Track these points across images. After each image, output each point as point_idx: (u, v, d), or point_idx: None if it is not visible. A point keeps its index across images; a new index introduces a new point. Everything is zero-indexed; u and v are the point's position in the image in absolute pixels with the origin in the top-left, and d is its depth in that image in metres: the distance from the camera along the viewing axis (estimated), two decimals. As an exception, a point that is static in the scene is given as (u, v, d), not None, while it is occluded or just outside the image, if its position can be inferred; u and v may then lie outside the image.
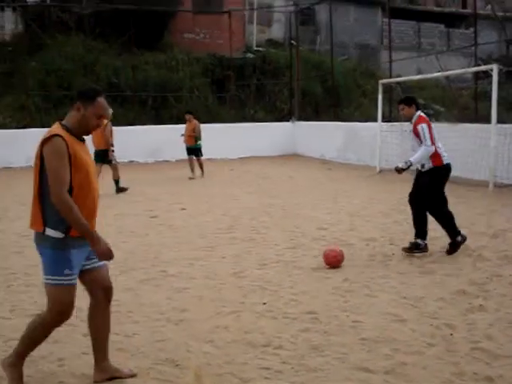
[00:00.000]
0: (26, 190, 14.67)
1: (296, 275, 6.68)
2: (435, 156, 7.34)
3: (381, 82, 17.87)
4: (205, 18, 29.98)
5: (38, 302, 5.92)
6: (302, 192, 13.35)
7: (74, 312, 5.54)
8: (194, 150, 16.76)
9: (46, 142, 3.92)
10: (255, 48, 30.64)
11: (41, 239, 4.06)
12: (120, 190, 13.86)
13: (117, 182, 13.98)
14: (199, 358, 4.55)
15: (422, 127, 7.30)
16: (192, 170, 16.47)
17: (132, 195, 13.33)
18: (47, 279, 4.02)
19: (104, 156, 13.62)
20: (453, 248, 7.47)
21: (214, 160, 20.32)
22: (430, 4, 38.59)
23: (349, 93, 28.68)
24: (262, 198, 12.46)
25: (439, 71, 20.78)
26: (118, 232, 9.32)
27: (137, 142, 21.55)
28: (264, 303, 5.76)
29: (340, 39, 30.53)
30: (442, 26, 36.05)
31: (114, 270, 6.98)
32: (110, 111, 14.30)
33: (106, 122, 13.71)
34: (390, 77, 20.18)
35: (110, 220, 10.34)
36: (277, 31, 32.97)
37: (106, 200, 12.46)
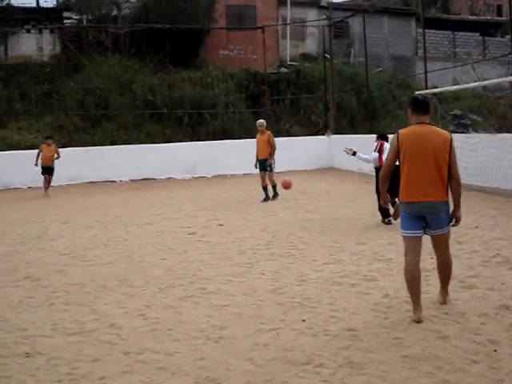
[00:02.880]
0: (67, 208, 14.94)
1: (335, 291, 6.62)
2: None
3: (416, 93, 17.69)
4: (238, 35, 30.24)
5: (78, 321, 5.99)
6: (339, 206, 13.27)
7: (114, 330, 5.64)
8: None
9: (451, 139, 5.52)
10: (289, 62, 30.73)
11: (444, 205, 5.49)
12: (276, 194, 14.86)
13: (274, 187, 14.88)
14: (239, 376, 4.53)
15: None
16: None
17: (171, 212, 13.43)
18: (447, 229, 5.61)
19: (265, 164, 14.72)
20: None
21: (250, 175, 20.35)
22: (464, 13, 38.23)
23: (384, 105, 28.53)
24: (300, 213, 12.42)
25: (475, 81, 20.53)
26: (158, 249, 9.39)
27: (174, 158, 21.81)
28: (304, 320, 5.71)
29: (374, 51, 30.46)
30: (477, 35, 35.62)
31: (153, 287, 7.08)
32: (262, 122, 15.03)
33: (268, 133, 14.62)
34: (426, 88, 19.98)
35: (150, 237, 10.45)
36: (310, 45, 33.03)
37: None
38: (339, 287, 6.78)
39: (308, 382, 4.37)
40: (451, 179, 5.44)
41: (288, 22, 31.09)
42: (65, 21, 30.06)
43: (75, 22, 30.39)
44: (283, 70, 29.48)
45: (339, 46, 30.84)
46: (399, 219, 5.66)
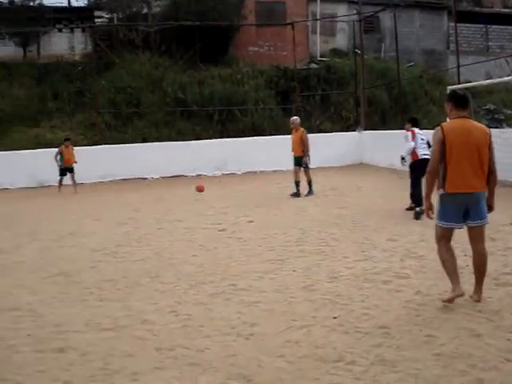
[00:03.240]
0: (99, 205, 15.11)
1: (367, 288, 6.58)
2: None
3: (449, 87, 17.48)
4: (268, 31, 30.23)
5: (111, 316, 6.06)
6: (370, 202, 13.17)
7: (146, 326, 5.69)
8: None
9: (490, 133, 5.74)
10: (319, 58, 30.63)
11: (484, 195, 5.71)
12: (310, 192, 14.76)
13: (309, 183, 14.82)
14: (271, 373, 4.53)
15: None
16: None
17: (202, 209, 13.49)
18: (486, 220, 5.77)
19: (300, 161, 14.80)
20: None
21: (280, 172, 20.35)
22: (497, 6, 37.57)
23: (416, 100, 28.23)
24: (330, 209, 12.37)
25: (509, 75, 20.17)
26: (188, 246, 9.44)
27: (204, 155, 21.91)
28: (335, 317, 5.68)
29: (405, 45, 30.16)
30: (510, 28, 34.98)
31: (184, 283, 7.12)
32: (295, 119, 14.99)
33: (302, 130, 14.58)
34: (459, 82, 19.73)
35: (181, 234, 10.51)
36: (341, 40, 32.85)
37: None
38: (371, 284, 6.74)
39: (340, 380, 4.35)
40: (490, 172, 5.68)
41: (318, 17, 30.97)
42: (96, 20, 30.38)
43: (106, 20, 30.73)
44: (313, 65, 29.38)
45: (370, 40, 30.59)
46: (438, 209, 5.77)
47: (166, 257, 8.74)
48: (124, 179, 21.33)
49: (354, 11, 28.05)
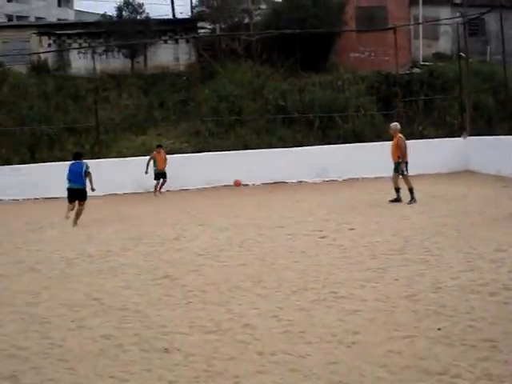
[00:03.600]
0: (203, 210, 15.44)
1: (473, 300, 6.36)
2: None
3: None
4: (369, 36, 29.89)
5: (214, 319, 6.20)
6: (476, 211, 12.70)
7: (248, 330, 5.78)
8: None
9: None
10: (422, 62, 29.94)
11: None
12: (412, 199, 14.40)
13: (411, 191, 14.49)
14: (372, 382, 4.49)
15: None
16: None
17: (303, 216, 13.52)
18: None
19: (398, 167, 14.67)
20: None
21: (381, 178, 20.03)
22: None
23: (525, 104, 26.92)
24: (434, 218, 12.03)
25: None
26: (290, 252, 9.50)
27: (304, 162, 21.94)
28: (439, 329, 5.54)
29: (512, 48, 28.90)
30: None
31: (285, 289, 7.17)
32: (394, 125, 15.04)
33: (399, 136, 14.61)
34: None
35: (283, 240, 10.59)
36: (444, 44, 32.00)
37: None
38: (477, 296, 6.52)
39: (444, 393, 4.24)
40: None
41: (420, 21, 30.29)
42: (199, 30, 31.25)
43: (209, 31, 31.51)
44: (416, 70, 28.76)
45: (474, 43, 29.55)
46: None
47: (267, 262, 8.83)
48: (226, 185, 21.72)
49: (458, 14, 27.23)
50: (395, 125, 15.28)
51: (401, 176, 14.65)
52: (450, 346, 5.12)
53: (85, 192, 14.26)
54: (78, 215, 14.24)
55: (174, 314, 6.51)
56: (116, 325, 6.24)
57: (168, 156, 20.91)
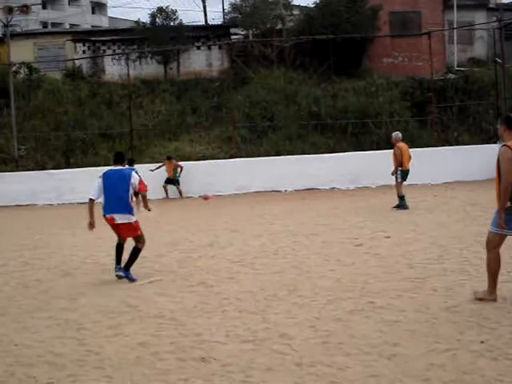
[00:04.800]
0: (236, 217, 15.37)
1: (516, 312, 6.20)
2: None
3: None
4: (403, 42, 29.65)
5: (250, 329, 6.12)
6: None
7: (285, 340, 5.69)
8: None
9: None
10: (456, 68, 29.55)
11: None
12: (400, 206, 14.90)
13: (401, 198, 15.03)
14: (415, 397, 4.37)
15: None
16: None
17: (337, 223, 13.39)
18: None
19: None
20: None
21: (415, 186, 19.78)
22: None
23: None
24: (472, 226, 11.77)
25: None
26: (325, 260, 9.39)
27: (338, 168, 21.76)
28: (482, 342, 5.39)
29: (550, 52, 28.39)
30: None
31: (322, 298, 7.07)
32: (395, 135, 15.66)
33: (398, 145, 15.16)
34: None
35: (317, 248, 10.48)
36: (479, 49, 31.59)
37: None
38: (521, 308, 6.34)
39: (491, 409, 4.10)
40: None
41: (455, 26, 29.92)
42: (232, 36, 31.34)
43: (242, 37, 31.59)
44: (450, 76, 28.37)
45: (510, 48, 29.07)
46: (497, 220, 6.45)
47: (303, 270, 8.74)
48: (258, 191, 21.67)
49: (494, 18, 26.81)
50: (396, 134, 15.88)
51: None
52: (494, 360, 4.97)
53: None
54: None
55: (210, 322, 6.45)
56: (152, 332, 6.21)
57: (201, 162, 21.09)
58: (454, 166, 21.42)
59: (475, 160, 21.86)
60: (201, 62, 30.40)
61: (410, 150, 17.79)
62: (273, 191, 21.78)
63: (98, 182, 8.85)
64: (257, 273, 8.75)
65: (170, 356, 5.50)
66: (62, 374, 5.20)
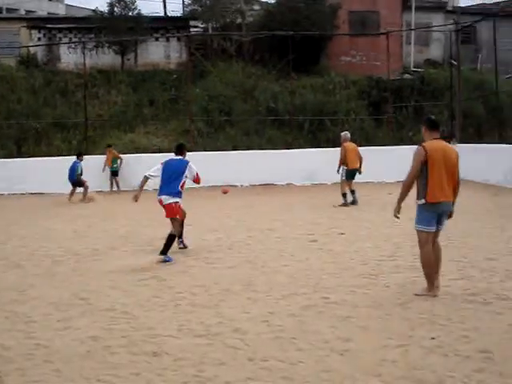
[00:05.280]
0: (191, 210, 15.22)
1: (466, 309, 6.30)
2: None
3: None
4: (361, 41, 29.90)
5: (204, 323, 6.08)
6: (466, 219, 12.62)
7: (238, 335, 5.67)
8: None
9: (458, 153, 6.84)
10: (413, 69, 29.98)
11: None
12: (343, 204, 15.33)
13: (344, 195, 15.48)
14: (367, 392, 4.40)
15: None
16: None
17: (292, 219, 13.43)
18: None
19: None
20: None
21: (370, 183, 20.02)
22: None
23: (514, 113, 27.06)
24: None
25: None
26: (280, 255, 9.41)
27: (294, 164, 21.83)
28: (433, 338, 5.47)
29: (503, 57, 28.99)
30: None
31: (276, 293, 7.07)
32: (345, 134, 16.23)
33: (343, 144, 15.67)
34: None
35: (272, 243, 10.49)
36: (435, 51, 32.08)
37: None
38: (470, 305, 6.47)
39: (440, 405, 4.16)
40: (456, 185, 6.81)
41: (413, 27, 30.34)
42: (191, 29, 31.06)
43: (201, 30, 31.35)
44: (407, 76, 28.80)
45: (465, 51, 29.64)
46: (419, 216, 6.77)
47: (257, 265, 8.73)
48: (214, 186, 21.55)
49: (451, 21, 27.28)
50: (344, 134, 16.58)
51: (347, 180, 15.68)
52: (445, 357, 5.04)
53: None
54: None
55: (163, 316, 6.39)
56: (104, 326, 6.11)
57: (157, 155, 20.77)
58: (407, 164, 21.63)
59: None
60: (159, 53, 30.03)
61: (365, 148, 18.03)
62: (229, 186, 21.67)
63: (158, 167, 9.83)
64: (211, 267, 8.71)
65: (121, 350, 5.42)
66: (9, 367, 5.06)
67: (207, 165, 21.54)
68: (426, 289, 6.84)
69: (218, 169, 21.59)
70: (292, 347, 5.36)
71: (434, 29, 30.53)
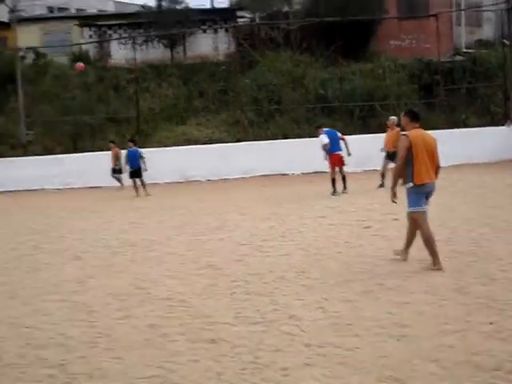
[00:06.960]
0: (243, 200, 15.34)
1: (525, 293, 6.19)
2: None
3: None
4: (410, 24, 29.37)
5: (259, 310, 6.14)
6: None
7: (294, 321, 5.71)
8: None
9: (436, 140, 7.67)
10: (464, 50, 29.31)
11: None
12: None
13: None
14: (424, 377, 4.38)
15: None
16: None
17: (344, 205, 13.38)
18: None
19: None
20: None
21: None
22: None
23: None
24: (480, 209, 11.75)
25: None
26: (333, 242, 9.39)
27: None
28: (491, 323, 5.39)
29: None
30: None
31: (330, 280, 7.08)
32: (391, 119, 16.52)
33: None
34: None
35: (325, 230, 10.48)
36: (487, 31, 31.27)
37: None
38: (529, 289, 6.33)
39: (500, 389, 4.11)
40: (437, 167, 7.56)
41: (463, 7, 29.62)
42: (238, 20, 31.11)
43: (248, 20, 31.38)
44: (458, 58, 28.15)
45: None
46: (410, 199, 7.45)
47: (311, 252, 8.75)
48: (265, 175, 21.66)
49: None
50: (392, 118, 16.92)
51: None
52: (503, 341, 4.97)
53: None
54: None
55: (219, 304, 6.48)
56: (162, 314, 6.25)
57: (208, 146, 21.03)
58: (461, 148, 21.29)
59: (483, 142, 21.78)
60: (207, 45, 30.22)
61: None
62: (280, 174, 21.76)
63: (325, 135, 15.55)
64: (265, 255, 8.77)
65: (179, 338, 5.53)
66: (73, 355, 5.24)
67: (258, 154, 21.74)
68: (432, 263, 7.34)
69: (269, 158, 21.68)
70: (348, 333, 5.37)
71: (485, 8, 29.72)
